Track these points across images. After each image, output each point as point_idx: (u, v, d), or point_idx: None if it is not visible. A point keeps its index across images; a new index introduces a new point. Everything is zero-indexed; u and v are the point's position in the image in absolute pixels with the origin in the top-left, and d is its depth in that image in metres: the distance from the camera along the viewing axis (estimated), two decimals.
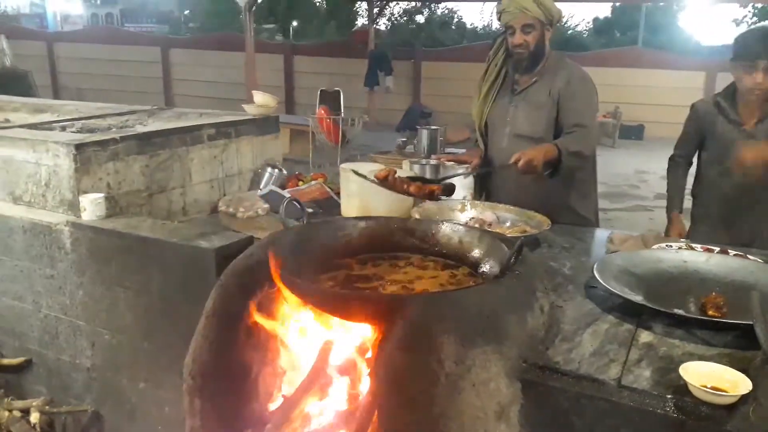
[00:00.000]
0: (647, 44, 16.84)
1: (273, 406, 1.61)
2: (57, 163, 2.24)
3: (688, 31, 22.40)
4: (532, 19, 2.40)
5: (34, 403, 2.26)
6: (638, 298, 1.64)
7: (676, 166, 2.81)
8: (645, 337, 1.51)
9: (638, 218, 6.81)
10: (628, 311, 1.63)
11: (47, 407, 2.27)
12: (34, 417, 2.21)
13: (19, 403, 2.28)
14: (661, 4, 14.95)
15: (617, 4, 22.45)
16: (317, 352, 1.59)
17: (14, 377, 2.52)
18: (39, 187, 2.34)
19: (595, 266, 1.79)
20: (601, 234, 2.42)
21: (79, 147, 2.20)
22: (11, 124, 2.87)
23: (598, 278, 1.72)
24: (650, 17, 20.66)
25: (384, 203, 2.30)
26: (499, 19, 2.53)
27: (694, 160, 2.80)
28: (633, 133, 11.71)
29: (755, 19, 19.82)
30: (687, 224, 2.80)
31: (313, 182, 2.93)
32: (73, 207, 2.23)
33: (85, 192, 2.21)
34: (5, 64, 7.30)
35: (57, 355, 2.40)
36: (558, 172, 2.36)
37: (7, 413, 2.16)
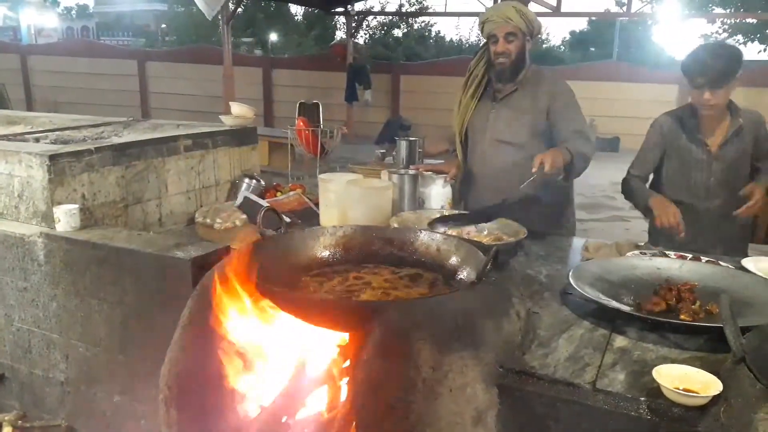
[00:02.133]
0: (622, 58, 17.17)
1: (251, 417, 1.59)
2: (30, 174, 2.21)
3: (660, 45, 22.87)
4: (514, 28, 2.47)
5: (6, 418, 2.21)
6: (613, 304, 1.67)
7: (634, 181, 2.64)
8: (619, 341, 1.54)
9: (614, 228, 6.91)
10: (602, 317, 1.66)
11: (20, 422, 2.22)
12: (7, 431, 2.15)
13: None
14: (636, 19, 15.31)
15: (593, 18, 22.89)
16: (295, 362, 1.58)
17: None
18: (12, 198, 2.30)
19: (570, 273, 1.82)
20: (577, 242, 2.45)
21: (53, 158, 2.17)
22: None
23: (574, 285, 1.74)
24: (624, 32, 21.11)
25: (363, 213, 2.31)
26: (481, 30, 2.57)
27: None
28: (608, 145, 11.89)
29: (725, 35, 20.34)
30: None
31: (291, 193, 2.93)
32: (47, 218, 2.20)
33: (59, 203, 2.19)
34: None
35: (30, 369, 2.35)
36: (570, 175, 2.40)
37: None
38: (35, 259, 2.20)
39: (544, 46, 23.55)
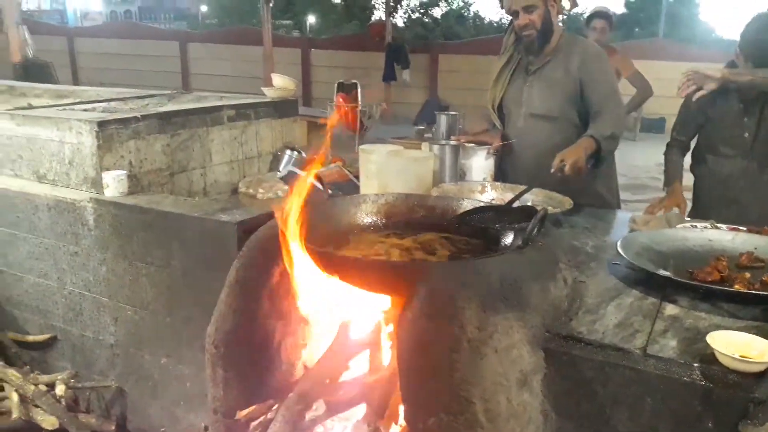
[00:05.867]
0: (668, 37, 16.60)
1: (295, 377, 1.61)
2: (80, 141, 2.27)
3: (708, 23, 22.06)
4: None
5: (59, 377, 2.29)
6: (664, 272, 1.62)
7: (676, 148, 2.71)
8: (670, 310, 1.50)
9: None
10: (652, 286, 1.61)
11: (72, 381, 2.29)
12: (60, 390, 2.23)
13: (45, 378, 2.31)
14: None
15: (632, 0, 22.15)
16: (339, 324, 1.59)
17: (39, 354, 2.55)
18: (63, 165, 2.36)
19: (618, 243, 1.77)
20: (622, 215, 2.40)
21: (102, 124, 2.22)
22: (34, 106, 2.90)
23: (622, 254, 1.70)
24: (670, 10, 20.40)
25: (403, 184, 2.29)
26: (502, 7, 2.53)
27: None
28: (654, 126, 11.56)
29: None
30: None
31: (332, 165, 2.93)
32: (96, 184, 2.26)
33: (108, 169, 2.24)
34: (28, 55, 7.39)
35: (81, 332, 2.43)
36: (601, 161, 2.34)
37: (33, 387, 2.19)
38: (85, 224, 2.26)
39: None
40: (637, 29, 23.52)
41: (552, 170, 2.19)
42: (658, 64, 11.60)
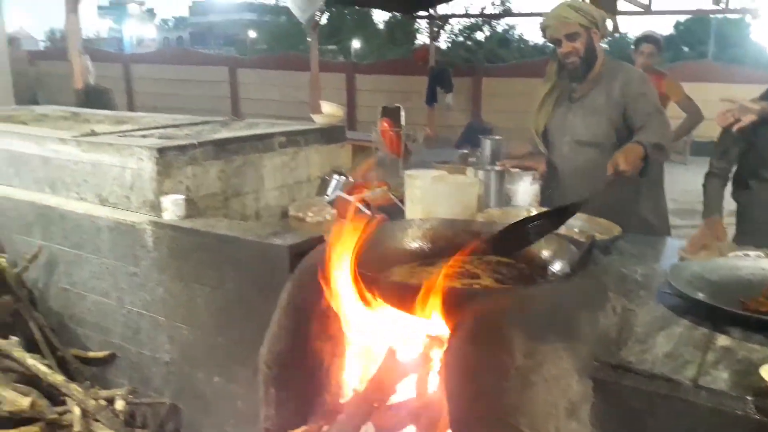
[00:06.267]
0: (717, 58, 16.25)
1: (344, 399, 1.65)
2: (141, 167, 2.39)
3: (760, 44, 21.46)
4: (574, 26, 2.43)
5: (118, 392, 2.38)
6: (716, 302, 1.60)
7: (716, 178, 2.67)
8: (722, 341, 1.47)
9: None
10: (703, 316, 1.59)
11: (130, 396, 2.39)
12: (119, 405, 2.32)
13: (104, 393, 2.40)
14: (734, 16, 14.43)
15: (682, 19, 21.80)
16: (387, 348, 1.62)
17: (99, 370, 2.66)
18: (124, 188, 2.49)
19: (668, 271, 1.76)
20: (672, 243, 2.37)
21: (161, 151, 2.34)
22: (97, 133, 3.05)
23: (672, 282, 1.69)
24: (720, 31, 19.97)
25: (448, 209, 2.32)
26: (544, 37, 2.56)
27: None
28: (704, 149, 11.22)
29: None
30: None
31: (377, 189, 2.99)
32: (155, 208, 2.37)
33: (166, 194, 2.34)
34: (89, 82, 7.77)
35: (138, 349, 2.53)
36: (647, 169, 2.33)
37: (93, 402, 2.28)
38: (144, 246, 2.37)
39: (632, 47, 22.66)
40: (686, 49, 23.08)
41: (608, 173, 2.18)
42: (707, 86, 11.30)
